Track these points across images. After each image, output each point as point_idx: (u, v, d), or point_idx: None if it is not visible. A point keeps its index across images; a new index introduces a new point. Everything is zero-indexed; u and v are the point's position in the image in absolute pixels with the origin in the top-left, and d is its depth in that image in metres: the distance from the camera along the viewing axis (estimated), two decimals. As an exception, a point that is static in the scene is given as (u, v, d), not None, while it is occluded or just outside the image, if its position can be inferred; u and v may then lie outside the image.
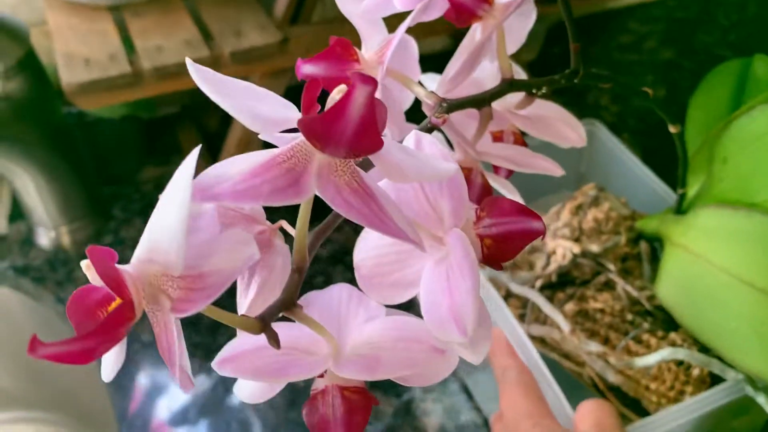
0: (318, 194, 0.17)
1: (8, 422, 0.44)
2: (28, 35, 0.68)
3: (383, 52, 0.26)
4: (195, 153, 0.17)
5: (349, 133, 0.15)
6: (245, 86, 0.20)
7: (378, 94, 0.25)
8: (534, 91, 0.29)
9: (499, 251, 0.21)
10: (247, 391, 0.23)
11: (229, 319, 0.19)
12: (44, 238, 0.75)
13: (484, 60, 0.28)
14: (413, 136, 0.22)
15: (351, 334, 0.21)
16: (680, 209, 0.46)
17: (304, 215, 0.19)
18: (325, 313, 0.22)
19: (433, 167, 0.19)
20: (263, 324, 0.19)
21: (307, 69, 0.26)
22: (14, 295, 0.77)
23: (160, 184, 0.44)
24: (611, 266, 0.46)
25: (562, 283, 0.48)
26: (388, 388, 0.63)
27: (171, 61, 0.64)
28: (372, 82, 0.15)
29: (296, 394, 0.63)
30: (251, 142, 0.73)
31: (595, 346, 0.43)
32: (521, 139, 0.31)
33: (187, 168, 0.16)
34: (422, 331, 0.21)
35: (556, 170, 0.29)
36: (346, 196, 0.17)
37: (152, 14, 0.71)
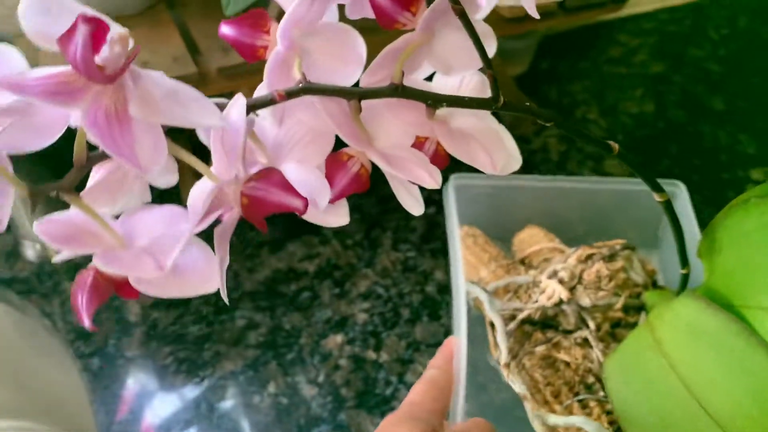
0: (83, 110, 0.21)
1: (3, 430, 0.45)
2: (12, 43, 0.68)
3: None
4: None
5: (78, 65, 0.20)
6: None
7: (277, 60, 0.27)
8: (429, 102, 0.28)
9: (251, 210, 0.24)
10: None
11: (13, 180, 0.22)
12: (30, 251, 0.75)
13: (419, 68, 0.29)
14: (233, 99, 0.24)
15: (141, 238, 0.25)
16: (681, 291, 0.42)
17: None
18: (138, 221, 0.26)
19: (192, 118, 0.22)
20: (33, 193, 0.23)
21: (224, 29, 0.28)
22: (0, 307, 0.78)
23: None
24: (592, 324, 0.45)
25: (547, 325, 0.47)
26: (374, 407, 0.63)
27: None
28: (96, 24, 0.19)
29: (282, 413, 0.64)
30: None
31: (518, 387, 0.44)
32: (442, 153, 0.30)
33: None
34: (168, 250, 0.24)
35: (428, 181, 0.29)
36: (99, 115, 0.21)
37: (141, 28, 0.71)
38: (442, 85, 0.32)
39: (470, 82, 0.32)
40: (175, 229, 0.27)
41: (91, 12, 0.23)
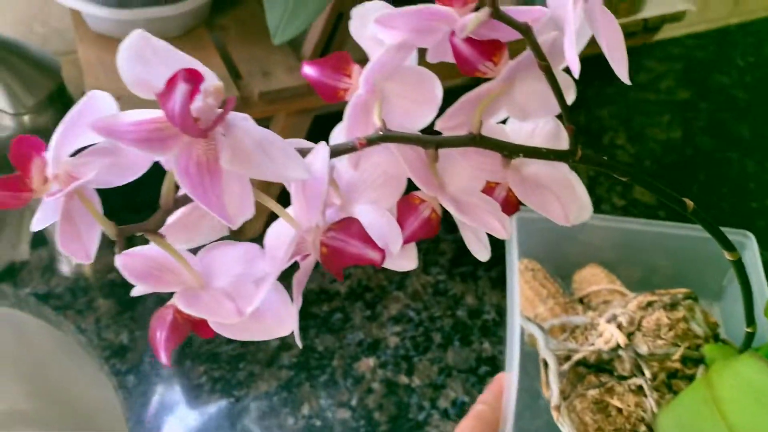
0: (174, 158, 0.21)
1: None
2: (60, 69, 0.69)
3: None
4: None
5: (175, 119, 0.20)
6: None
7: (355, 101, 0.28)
8: (505, 153, 0.28)
9: (330, 260, 0.24)
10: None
11: (98, 216, 0.23)
12: (66, 266, 0.76)
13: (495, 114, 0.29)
14: (317, 147, 0.25)
15: (220, 278, 0.26)
16: (744, 349, 0.42)
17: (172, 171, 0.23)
18: (216, 258, 0.27)
19: (280, 171, 0.22)
20: (118, 232, 0.24)
21: (307, 70, 0.29)
22: (34, 321, 0.78)
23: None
24: (648, 373, 0.44)
25: (601, 369, 0.46)
26: None
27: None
28: (194, 79, 0.20)
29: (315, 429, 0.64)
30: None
31: (567, 430, 0.43)
32: (513, 200, 0.30)
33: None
34: (247, 297, 0.25)
35: (500, 232, 0.29)
36: (190, 164, 0.21)
37: (183, 50, 0.72)
38: (516, 131, 0.32)
39: (544, 128, 0.32)
40: (254, 268, 0.28)
41: (188, 61, 0.23)
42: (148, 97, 0.23)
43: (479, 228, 0.29)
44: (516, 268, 0.48)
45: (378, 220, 0.29)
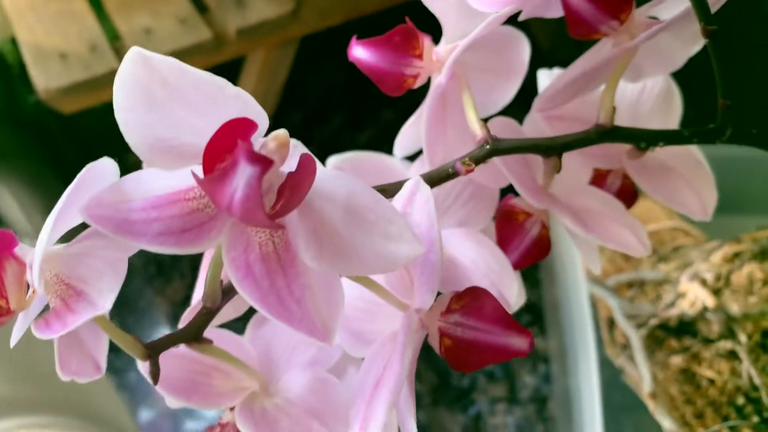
0: (223, 248, 0.14)
1: (13, 429, 0.43)
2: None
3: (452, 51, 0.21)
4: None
5: (234, 211, 0.13)
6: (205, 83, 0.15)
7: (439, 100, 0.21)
8: (642, 145, 0.22)
9: (458, 357, 0.17)
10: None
11: (118, 337, 0.17)
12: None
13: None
14: (410, 186, 0.18)
15: (288, 370, 0.20)
16: None
17: (218, 253, 0.16)
18: (273, 336, 0.21)
19: (381, 254, 0.15)
20: (149, 352, 0.17)
21: (358, 53, 0.22)
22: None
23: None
24: (743, 337, 0.40)
25: (681, 330, 0.42)
26: (453, 402, 0.59)
27: (165, 48, 0.55)
28: (261, 164, 0.13)
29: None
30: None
31: (668, 424, 0.39)
32: (630, 188, 0.25)
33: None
34: (339, 411, 0.19)
35: (637, 249, 0.23)
36: (251, 259, 0.14)
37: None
38: (620, 94, 0.25)
39: (653, 89, 0.26)
40: (326, 351, 0.21)
41: (213, 84, 0.16)
42: (172, 167, 0.15)
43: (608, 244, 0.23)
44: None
45: (478, 252, 0.22)
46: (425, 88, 0.22)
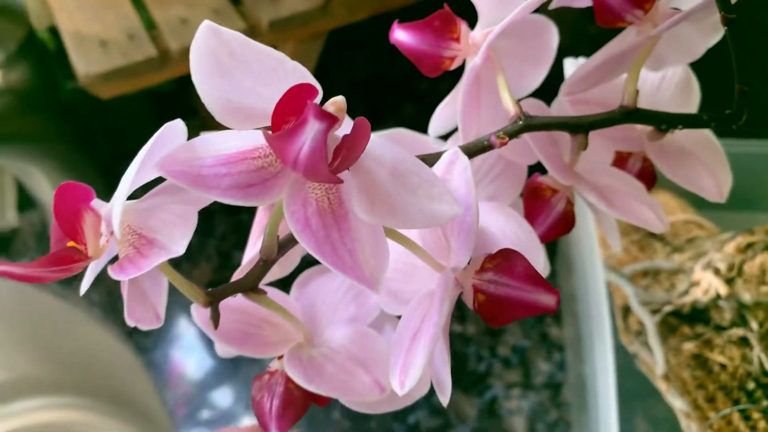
0: (284, 203, 0.16)
1: (36, 409, 0.44)
2: (26, 13, 0.61)
3: (486, 36, 0.23)
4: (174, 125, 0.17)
5: (299, 166, 0.15)
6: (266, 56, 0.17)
7: (470, 84, 0.23)
8: (663, 127, 0.24)
9: (490, 312, 0.19)
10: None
11: (181, 283, 0.18)
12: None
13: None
14: (449, 155, 0.19)
15: (331, 325, 0.22)
16: None
17: (278, 209, 0.17)
18: (317, 295, 0.22)
19: (425, 212, 0.17)
20: (210, 299, 0.18)
21: (399, 35, 0.23)
22: (36, 291, 0.74)
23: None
24: (754, 325, 0.41)
25: (693, 317, 0.43)
26: (470, 386, 0.61)
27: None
28: (328, 120, 0.14)
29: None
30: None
31: (680, 404, 0.40)
32: (650, 170, 0.26)
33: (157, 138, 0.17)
34: (380, 360, 0.21)
35: (656, 225, 0.24)
36: (309, 213, 0.16)
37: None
38: (641, 83, 0.27)
39: (673, 78, 0.27)
40: (366, 307, 0.23)
41: (274, 58, 0.17)
42: (240, 127, 0.17)
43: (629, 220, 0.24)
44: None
45: (506, 224, 0.23)
46: (448, 86, 0.24)
